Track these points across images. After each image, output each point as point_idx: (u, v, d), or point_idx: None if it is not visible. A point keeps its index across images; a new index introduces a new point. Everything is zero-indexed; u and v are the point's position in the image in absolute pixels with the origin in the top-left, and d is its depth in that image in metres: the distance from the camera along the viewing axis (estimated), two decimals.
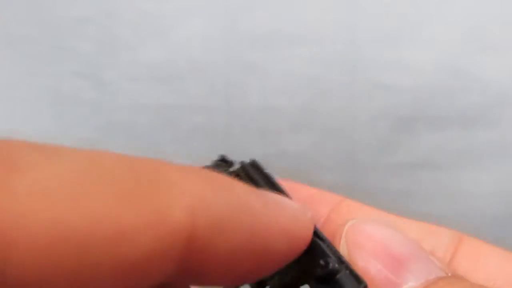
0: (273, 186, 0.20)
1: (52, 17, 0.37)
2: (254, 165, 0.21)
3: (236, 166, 0.22)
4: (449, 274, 0.18)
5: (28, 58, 0.38)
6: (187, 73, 0.37)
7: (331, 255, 0.17)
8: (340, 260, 0.17)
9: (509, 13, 0.38)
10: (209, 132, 0.38)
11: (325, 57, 0.37)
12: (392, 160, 0.38)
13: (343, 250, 0.18)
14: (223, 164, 0.22)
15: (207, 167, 0.21)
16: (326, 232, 0.18)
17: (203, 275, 0.13)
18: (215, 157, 0.23)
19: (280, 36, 0.37)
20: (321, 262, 0.17)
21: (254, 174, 0.21)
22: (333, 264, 0.17)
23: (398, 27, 0.38)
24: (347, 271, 0.17)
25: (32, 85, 0.39)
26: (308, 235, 0.16)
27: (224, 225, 0.13)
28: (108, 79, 0.38)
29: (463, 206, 0.38)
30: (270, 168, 0.22)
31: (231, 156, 0.21)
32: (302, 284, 0.18)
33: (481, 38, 0.37)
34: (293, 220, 0.15)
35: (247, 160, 0.22)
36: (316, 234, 0.17)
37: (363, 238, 0.18)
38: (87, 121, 0.38)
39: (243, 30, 0.37)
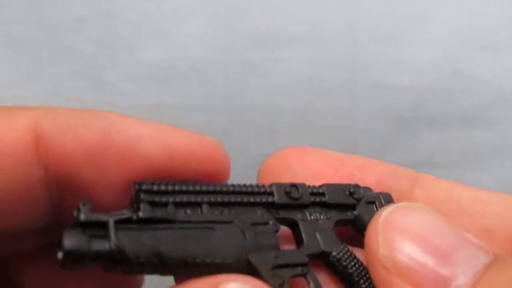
0: None
1: (52, 17, 0.37)
2: None
3: None
4: (491, 253, 0.17)
5: (28, 58, 0.38)
6: (187, 73, 0.37)
7: None
8: None
9: (509, 13, 0.38)
10: (209, 132, 0.38)
11: (326, 57, 0.37)
12: (392, 160, 0.38)
13: (382, 248, 0.18)
14: None
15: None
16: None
17: (73, 174, 0.17)
18: None
19: (280, 36, 0.37)
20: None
21: None
22: None
23: (398, 27, 0.38)
24: None
25: (32, 85, 0.39)
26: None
27: (70, 127, 0.17)
28: (108, 79, 0.38)
29: None
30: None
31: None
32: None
33: (481, 38, 0.37)
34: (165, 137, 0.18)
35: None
36: None
37: (400, 234, 0.18)
38: None
39: (243, 30, 0.37)
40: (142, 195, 0.18)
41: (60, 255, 0.16)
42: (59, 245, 0.16)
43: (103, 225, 0.16)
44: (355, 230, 0.22)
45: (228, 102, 0.37)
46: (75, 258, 0.16)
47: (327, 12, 0.38)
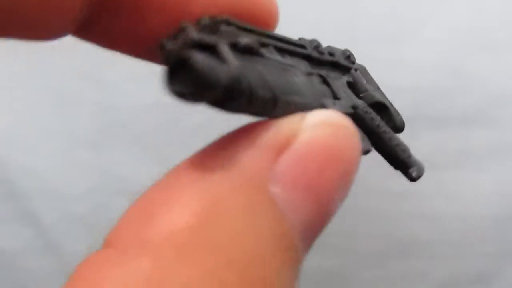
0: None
1: None
2: None
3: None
4: None
5: (28, 58, 0.38)
6: None
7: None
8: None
9: (509, 13, 0.38)
10: (209, 132, 0.37)
11: None
12: None
13: None
14: None
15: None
16: None
17: None
18: None
19: None
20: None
21: None
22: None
23: (398, 27, 0.38)
24: None
25: (32, 86, 0.39)
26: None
27: None
28: (108, 79, 0.38)
29: (463, 206, 0.38)
30: None
31: None
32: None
33: (481, 38, 0.37)
34: None
35: None
36: None
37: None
38: (88, 121, 0.38)
39: None
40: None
41: (214, 93, 0.12)
42: (187, 73, 0.12)
43: (212, 49, 0.13)
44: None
45: None
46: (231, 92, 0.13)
47: (327, 12, 0.38)
